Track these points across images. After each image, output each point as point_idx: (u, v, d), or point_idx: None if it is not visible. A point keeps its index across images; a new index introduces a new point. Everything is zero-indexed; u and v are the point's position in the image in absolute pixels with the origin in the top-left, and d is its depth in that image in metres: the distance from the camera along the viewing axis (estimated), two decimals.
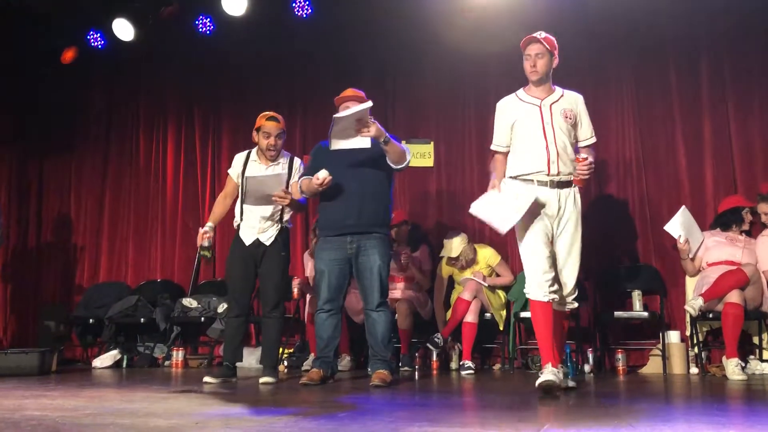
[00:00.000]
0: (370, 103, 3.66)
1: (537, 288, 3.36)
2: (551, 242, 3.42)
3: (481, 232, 5.52)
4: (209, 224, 4.21)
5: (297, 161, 4.29)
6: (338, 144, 3.76)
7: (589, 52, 5.55)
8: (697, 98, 5.33)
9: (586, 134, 3.58)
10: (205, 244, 4.08)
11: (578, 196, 3.49)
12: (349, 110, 3.66)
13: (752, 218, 4.75)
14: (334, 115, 3.67)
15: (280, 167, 4.19)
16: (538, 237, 3.39)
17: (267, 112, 4.26)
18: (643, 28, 5.51)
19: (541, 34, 3.47)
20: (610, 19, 5.54)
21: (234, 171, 4.29)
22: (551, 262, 3.37)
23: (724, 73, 5.28)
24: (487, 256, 5.19)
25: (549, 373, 3.19)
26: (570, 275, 3.47)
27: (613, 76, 5.58)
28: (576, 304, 3.53)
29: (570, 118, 3.48)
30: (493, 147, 3.60)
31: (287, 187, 4.06)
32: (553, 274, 3.37)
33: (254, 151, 4.29)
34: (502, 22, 5.55)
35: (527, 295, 3.42)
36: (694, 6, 5.33)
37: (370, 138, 3.69)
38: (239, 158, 4.34)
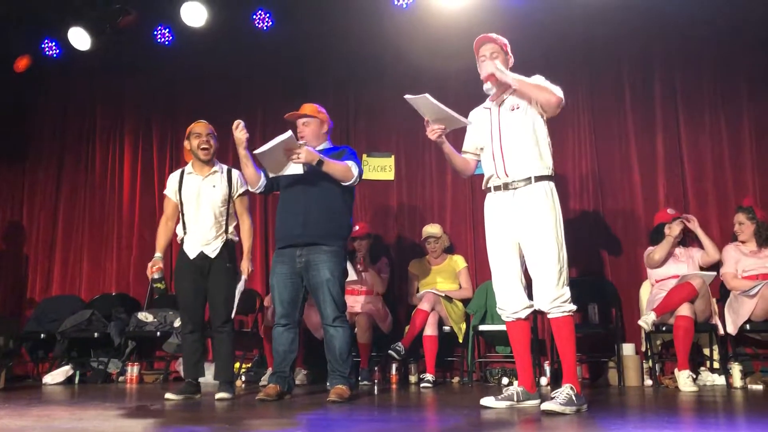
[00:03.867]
0: (289, 133, 3.66)
1: (499, 308, 3.31)
2: (517, 251, 3.22)
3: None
4: (157, 254, 4.13)
5: (235, 173, 4.24)
6: (275, 172, 3.80)
7: (545, 70, 5.59)
8: (650, 116, 5.47)
9: (536, 82, 3.27)
10: (156, 276, 4.01)
11: (547, 191, 3.17)
12: (269, 144, 3.64)
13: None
14: (255, 152, 3.67)
15: (218, 177, 4.16)
16: (494, 251, 3.30)
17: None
18: (598, 46, 5.64)
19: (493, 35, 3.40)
20: (566, 39, 5.66)
21: (170, 190, 4.22)
22: (511, 276, 3.23)
23: (676, 91, 5.44)
24: (455, 259, 5.47)
25: (504, 399, 3.20)
26: (542, 281, 3.12)
27: (568, 95, 5.60)
28: (568, 308, 3.11)
29: (518, 107, 3.26)
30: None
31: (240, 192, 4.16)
32: (513, 289, 3.23)
33: (188, 165, 4.25)
34: (461, 37, 5.59)
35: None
36: (647, 25, 5.49)
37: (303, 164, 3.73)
38: (173, 177, 4.27)
